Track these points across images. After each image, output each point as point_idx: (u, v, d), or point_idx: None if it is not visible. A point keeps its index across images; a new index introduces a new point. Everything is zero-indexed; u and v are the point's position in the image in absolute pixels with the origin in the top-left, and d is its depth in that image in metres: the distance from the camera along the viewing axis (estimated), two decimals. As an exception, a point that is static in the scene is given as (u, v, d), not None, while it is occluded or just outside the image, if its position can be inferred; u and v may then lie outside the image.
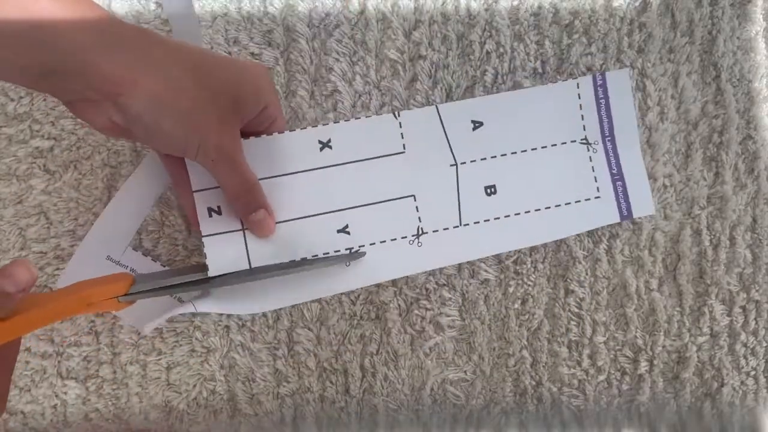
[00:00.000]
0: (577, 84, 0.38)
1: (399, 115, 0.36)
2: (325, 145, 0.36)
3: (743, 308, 0.40)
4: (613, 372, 0.40)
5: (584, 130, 0.38)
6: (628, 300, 0.40)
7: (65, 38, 0.26)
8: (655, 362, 0.40)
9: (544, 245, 0.39)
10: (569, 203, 0.38)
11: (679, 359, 0.40)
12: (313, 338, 0.39)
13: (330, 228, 0.36)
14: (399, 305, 0.39)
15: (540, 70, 0.39)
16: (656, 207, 0.39)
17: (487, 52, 0.39)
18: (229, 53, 0.39)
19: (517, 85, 0.39)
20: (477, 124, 0.37)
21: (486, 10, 0.39)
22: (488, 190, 0.37)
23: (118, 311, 0.35)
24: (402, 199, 0.36)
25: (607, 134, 0.38)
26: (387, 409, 0.40)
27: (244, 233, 0.35)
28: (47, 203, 0.38)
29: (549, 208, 0.37)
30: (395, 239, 0.36)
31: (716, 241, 0.40)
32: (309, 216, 0.36)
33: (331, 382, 0.39)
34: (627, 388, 0.40)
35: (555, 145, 0.38)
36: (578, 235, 0.39)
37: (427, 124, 0.37)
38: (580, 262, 0.39)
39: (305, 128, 0.36)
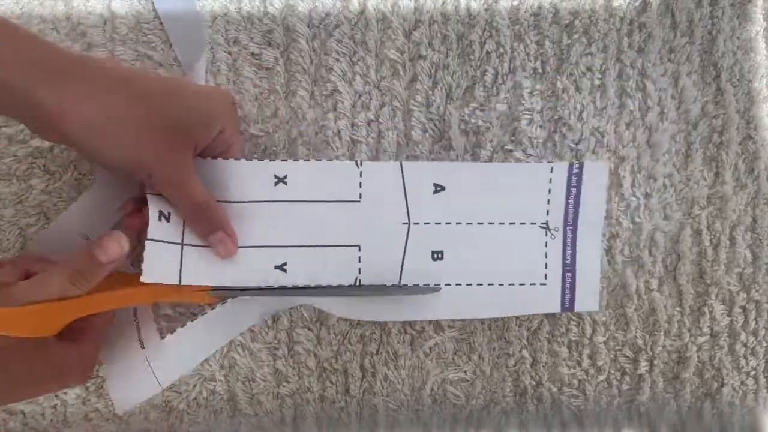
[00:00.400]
0: (552, 168, 0.36)
1: (361, 165, 0.36)
2: (280, 180, 0.35)
3: (743, 308, 0.40)
4: (613, 372, 0.40)
5: (547, 215, 0.37)
6: (628, 300, 0.40)
7: (6, 74, 0.28)
8: (655, 362, 0.40)
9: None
10: (513, 284, 0.37)
11: (679, 359, 0.40)
12: (313, 338, 0.39)
13: (268, 262, 0.35)
14: (399, 305, 0.39)
15: (540, 70, 0.39)
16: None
17: (487, 52, 0.39)
18: (229, 53, 0.39)
19: (516, 86, 0.39)
20: (439, 188, 0.36)
21: (486, 10, 0.39)
22: (435, 255, 0.36)
23: (204, 302, 0.37)
24: (346, 247, 0.36)
25: (570, 223, 0.37)
26: (387, 409, 0.40)
27: (182, 249, 0.34)
28: (47, 203, 0.38)
29: (492, 285, 0.37)
30: (330, 286, 0.36)
31: (716, 241, 0.40)
32: (250, 246, 0.35)
33: (331, 382, 0.39)
34: (627, 388, 0.40)
35: (513, 223, 0.37)
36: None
37: (389, 179, 0.36)
38: (580, 262, 0.39)
39: (263, 160, 0.35)
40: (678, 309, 0.40)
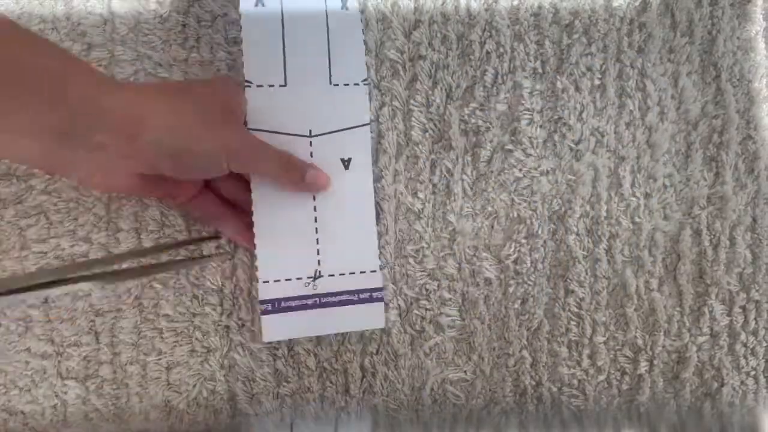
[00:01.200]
0: None
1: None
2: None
3: (743, 308, 0.40)
4: (613, 372, 0.40)
5: None
6: (628, 300, 0.40)
7: (75, 89, 0.28)
8: (655, 362, 0.40)
9: (544, 244, 0.39)
10: None
11: (679, 359, 0.40)
12: (312, 338, 0.39)
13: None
14: (399, 305, 0.39)
15: (540, 70, 0.39)
16: (655, 207, 0.39)
17: (487, 52, 0.39)
18: (230, 53, 0.39)
19: (516, 86, 0.39)
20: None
21: (486, 10, 0.39)
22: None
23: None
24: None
25: None
26: (387, 409, 0.40)
27: None
28: (47, 203, 0.38)
29: None
30: None
31: (716, 241, 0.40)
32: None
33: (331, 382, 0.39)
34: (627, 388, 0.40)
35: None
36: (578, 234, 0.39)
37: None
38: (579, 262, 0.39)
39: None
40: (678, 309, 0.40)
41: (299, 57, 0.37)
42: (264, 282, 0.37)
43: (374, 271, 0.38)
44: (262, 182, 0.36)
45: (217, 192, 0.37)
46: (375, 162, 0.39)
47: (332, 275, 0.38)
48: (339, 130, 0.37)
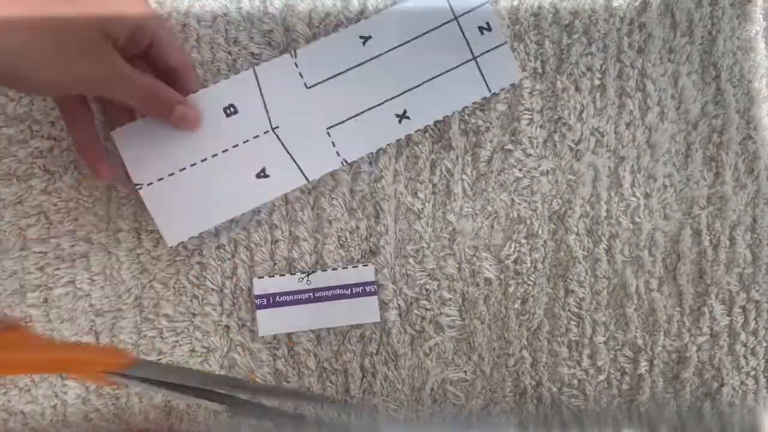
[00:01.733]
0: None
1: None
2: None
3: (743, 308, 0.40)
4: (613, 372, 0.40)
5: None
6: (628, 300, 0.40)
7: None
8: (655, 362, 0.40)
9: (544, 244, 0.39)
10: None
11: (679, 359, 0.40)
12: (312, 338, 0.39)
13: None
14: (399, 305, 0.39)
15: (540, 70, 0.39)
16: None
17: (487, 52, 0.39)
18: (229, 53, 0.39)
19: (516, 85, 0.39)
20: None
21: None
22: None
23: (107, 386, 0.35)
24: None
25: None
26: (387, 409, 0.40)
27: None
28: (47, 203, 0.38)
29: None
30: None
31: (716, 241, 0.40)
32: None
33: (331, 382, 0.39)
34: (627, 388, 0.40)
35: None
36: (577, 234, 0.39)
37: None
38: (579, 262, 0.39)
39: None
40: (678, 309, 0.40)
41: None
42: (259, 277, 0.37)
43: (366, 265, 0.38)
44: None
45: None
46: (375, 162, 0.39)
47: (325, 270, 0.38)
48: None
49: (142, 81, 0.32)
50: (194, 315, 0.38)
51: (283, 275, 0.38)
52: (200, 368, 0.39)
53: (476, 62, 0.38)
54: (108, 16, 0.30)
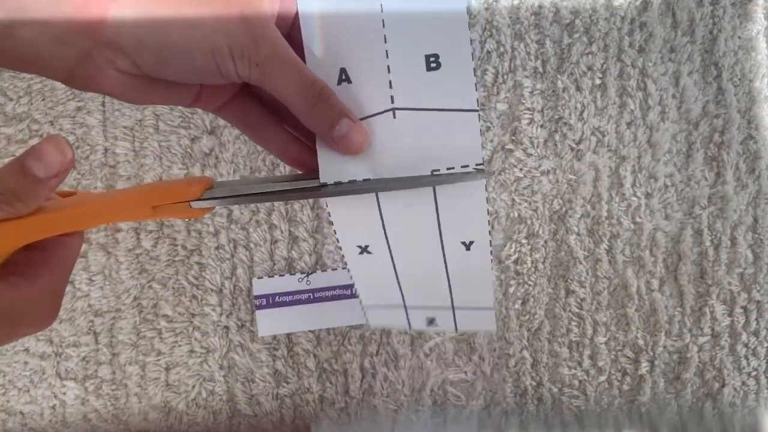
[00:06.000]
0: None
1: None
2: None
3: (744, 308, 0.40)
4: (613, 372, 0.40)
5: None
6: (629, 300, 0.39)
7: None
8: (656, 363, 0.40)
9: (545, 244, 0.39)
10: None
11: (680, 360, 0.40)
12: (312, 339, 0.39)
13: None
14: (399, 305, 0.39)
15: (540, 70, 0.39)
16: (656, 206, 0.39)
17: (488, 52, 0.39)
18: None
19: (517, 85, 0.39)
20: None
21: (486, 9, 0.39)
22: None
23: (189, 218, 0.31)
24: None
25: None
26: (387, 409, 0.39)
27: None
28: (46, 203, 0.38)
29: None
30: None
31: (717, 241, 0.40)
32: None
33: (331, 383, 0.39)
34: (628, 388, 0.40)
35: None
36: (578, 234, 0.39)
37: None
38: (580, 262, 0.39)
39: None
40: (679, 309, 0.40)
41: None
42: (258, 278, 0.37)
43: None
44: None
45: (259, 95, 0.28)
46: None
47: (325, 270, 0.38)
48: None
49: (313, 75, 0.25)
50: (193, 315, 0.38)
51: (283, 275, 0.38)
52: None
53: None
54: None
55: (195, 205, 0.26)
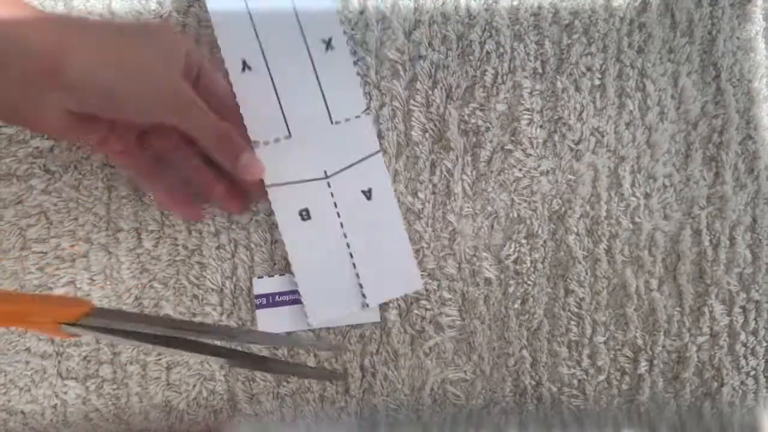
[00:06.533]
0: None
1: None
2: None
3: (743, 308, 0.40)
4: (613, 372, 0.40)
5: None
6: (628, 300, 0.40)
7: None
8: (655, 362, 0.40)
9: (544, 244, 0.39)
10: None
11: (678, 359, 0.40)
12: (312, 338, 0.39)
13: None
14: (399, 305, 0.39)
15: (540, 70, 0.39)
16: (656, 207, 0.39)
17: (487, 52, 0.39)
18: (229, 53, 0.39)
19: (516, 86, 0.39)
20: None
21: (486, 10, 0.39)
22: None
23: (61, 339, 0.34)
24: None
25: None
26: (387, 409, 0.40)
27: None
28: (47, 203, 0.38)
29: None
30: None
31: (716, 241, 0.40)
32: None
33: (331, 382, 0.39)
34: (627, 388, 0.40)
35: None
36: (577, 234, 0.39)
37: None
38: (579, 262, 0.39)
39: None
40: (678, 309, 0.40)
41: (297, 106, 0.37)
42: (259, 277, 0.38)
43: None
44: (288, 220, 0.37)
45: (151, 148, 0.35)
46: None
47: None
48: (352, 165, 0.38)
49: (216, 118, 0.32)
50: (194, 315, 0.38)
51: (283, 275, 0.38)
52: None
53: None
54: (170, 38, 0.32)
55: (66, 329, 0.27)
